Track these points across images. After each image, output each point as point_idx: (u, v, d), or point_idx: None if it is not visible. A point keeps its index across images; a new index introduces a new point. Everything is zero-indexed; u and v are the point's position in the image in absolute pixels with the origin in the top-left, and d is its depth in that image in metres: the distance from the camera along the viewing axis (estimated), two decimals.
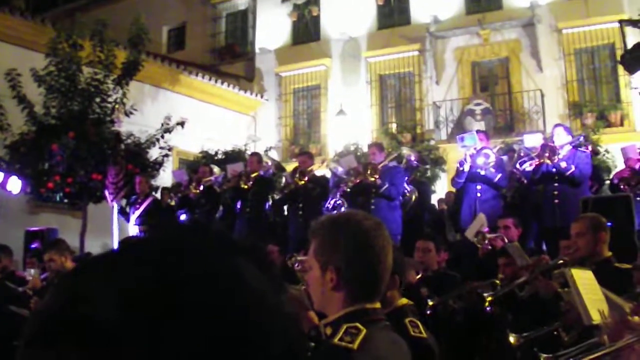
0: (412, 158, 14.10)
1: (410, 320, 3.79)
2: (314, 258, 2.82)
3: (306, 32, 27.60)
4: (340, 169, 13.37)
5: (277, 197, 14.83)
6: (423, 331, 3.72)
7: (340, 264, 2.74)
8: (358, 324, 2.70)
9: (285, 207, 14.27)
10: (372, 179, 11.97)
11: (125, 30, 17.80)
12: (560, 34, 23.32)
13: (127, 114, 16.82)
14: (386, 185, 12.00)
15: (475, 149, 11.97)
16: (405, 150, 14.47)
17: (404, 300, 4.06)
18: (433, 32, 24.82)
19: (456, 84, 24.66)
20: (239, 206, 13.97)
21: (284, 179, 14.93)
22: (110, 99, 16.70)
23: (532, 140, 12.80)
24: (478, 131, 13.28)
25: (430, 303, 6.99)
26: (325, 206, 13.38)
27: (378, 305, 2.85)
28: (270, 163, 15.38)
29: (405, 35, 25.52)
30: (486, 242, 9.44)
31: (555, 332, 5.47)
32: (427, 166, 19.68)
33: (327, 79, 26.91)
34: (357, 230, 2.79)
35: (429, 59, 25.07)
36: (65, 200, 17.27)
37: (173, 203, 15.61)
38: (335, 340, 2.67)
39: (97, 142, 15.88)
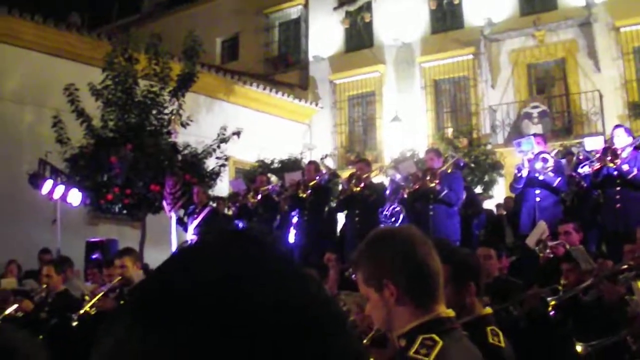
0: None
1: (492, 328, 3.73)
2: (366, 287, 2.80)
3: (359, 38, 27.55)
4: (398, 176, 13.29)
5: (333, 204, 14.80)
6: (502, 341, 3.66)
7: (393, 276, 2.71)
8: (434, 335, 2.66)
9: (342, 215, 14.24)
10: (432, 185, 11.86)
11: (179, 42, 17.95)
12: (617, 33, 22.94)
13: (183, 125, 16.95)
14: (445, 191, 11.89)
15: (532, 153, 11.81)
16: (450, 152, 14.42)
17: (488, 310, 4.00)
18: (487, 35, 24.62)
19: (512, 87, 24.41)
20: (296, 215, 13.97)
21: (340, 186, 14.91)
22: (166, 111, 16.85)
23: (594, 144, 12.59)
24: (535, 135, 13.09)
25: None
26: (383, 213, 13.32)
27: (452, 312, 2.81)
28: (325, 171, 15.37)
29: (459, 39, 25.35)
30: (547, 250, 9.31)
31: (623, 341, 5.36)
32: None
33: (381, 85, 26.85)
34: (396, 240, 2.78)
35: (484, 63, 24.88)
36: (124, 212, 17.43)
37: (230, 212, 15.71)
38: (411, 352, 2.63)
39: (154, 154, 16.03)
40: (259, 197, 14.48)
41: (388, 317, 2.77)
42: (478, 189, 19.93)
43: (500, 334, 3.72)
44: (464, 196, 13.22)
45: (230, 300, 0.82)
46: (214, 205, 15.81)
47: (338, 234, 14.45)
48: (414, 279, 2.72)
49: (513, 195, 13.43)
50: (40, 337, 9.06)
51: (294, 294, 0.87)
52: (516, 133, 21.51)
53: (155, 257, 15.54)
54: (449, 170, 12.84)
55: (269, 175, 16.39)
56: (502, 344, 3.65)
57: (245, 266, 0.87)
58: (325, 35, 28.04)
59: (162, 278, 0.89)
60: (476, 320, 3.78)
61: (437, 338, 2.65)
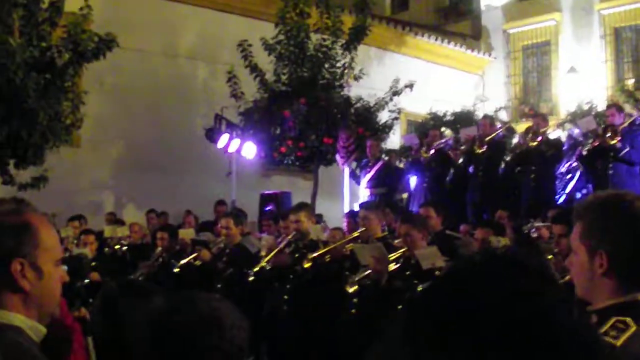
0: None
1: None
2: (579, 242, 2.63)
3: None
4: (576, 131, 12.89)
5: (508, 158, 14.53)
6: None
7: (611, 248, 2.54)
8: (628, 319, 2.48)
9: (517, 170, 13.97)
10: (612, 142, 11.36)
11: None
12: None
13: (356, 79, 16.96)
14: (627, 149, 11.36)
15: None
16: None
17: None
18: None
19: None
20: (470, 170, 13.79)
21: (514, 140, 14.61)
22: (338, 64, 16.91)
23: None
24: None
25: None
26: (559, 170, 12.94)
27: None
28: (500, 125, 15.10)
29: None
30: None
31: None
32: None
33: (557, 34, 25.83)
34: (630, 214, 2.57)
35: None
36: (297, 164, 17.67)
37: (402, 166, 15.69)
38: (601, 331, 2.46)
39: (327, 107, 16.14)
40: (432, 151, 14.36)
41: (590, 286, 2.62)
42: None
43: None
44: None
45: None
46: (387, 158, 15.84)
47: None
48: (630, 260, 2.53)
49: None
50: (218, 286, 9.43)
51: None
52: None
53: (327, 208, 15.85)
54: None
55: (443, 129, 16.18)
56: None
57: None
58: None
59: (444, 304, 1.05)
60: None
61: (631, 322, 2.47)
